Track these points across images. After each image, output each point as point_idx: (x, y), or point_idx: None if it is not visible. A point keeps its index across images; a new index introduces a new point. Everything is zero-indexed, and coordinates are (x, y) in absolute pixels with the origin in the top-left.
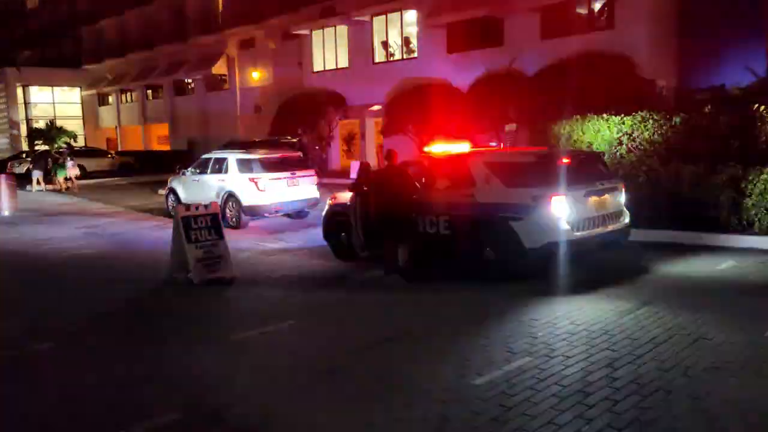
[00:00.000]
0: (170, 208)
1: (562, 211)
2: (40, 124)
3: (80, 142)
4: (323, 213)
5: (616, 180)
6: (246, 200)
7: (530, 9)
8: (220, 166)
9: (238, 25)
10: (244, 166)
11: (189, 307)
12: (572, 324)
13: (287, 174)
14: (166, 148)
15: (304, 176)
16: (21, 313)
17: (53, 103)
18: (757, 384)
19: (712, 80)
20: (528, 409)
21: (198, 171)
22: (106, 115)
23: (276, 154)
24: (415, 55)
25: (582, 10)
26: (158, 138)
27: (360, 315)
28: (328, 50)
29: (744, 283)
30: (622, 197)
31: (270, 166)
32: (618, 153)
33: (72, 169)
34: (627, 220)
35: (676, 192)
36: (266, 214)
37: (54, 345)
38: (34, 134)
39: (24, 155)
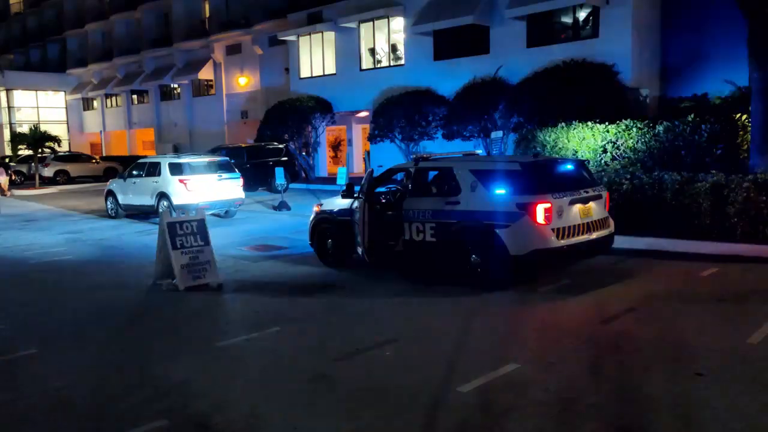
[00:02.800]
0: (109, 209)
1: (546, 218)
2: (24, 129)
3: (64, 147)
4: (309, 220)
5: (600, 188)
6: (176, 199)
7: (516, 17)
8: (154, 170)
9: (225, 30)
10: (175, 169)
11: (174, 313)
12: (557, 330)
13: (214, 176)
14: (152, 153)
15: (230, 178)
16: (3, 319)
17: (37, 107)
18: (739, 391)
19: (695, 89)
20: (514, 416)
21: (135, 174)
22: (91, 120)
23: (204, 158)
24: (402, 62)
25: (567, 19)
26: (143, 143)
27: (346, 321)
28: (315, 56)
29: (726, 290)
30: (606, 204)
31: (198, 168)
32: (602, 160)
33: (1, 177)
34: (611, 227)
35: (660, 199)
36: (195, 212)
37: (37, 352)
38: (17, 139)
39: (7, 160)
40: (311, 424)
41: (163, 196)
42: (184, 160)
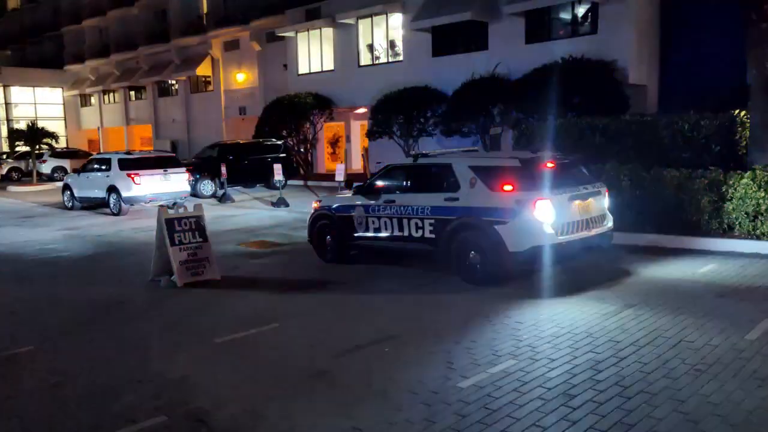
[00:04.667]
0: (66, 201)
1: (546, 214)
2: (21, 125)
3: (62, 144)
4: (308, 216)
5: (600, 184)
6: (125, 192)
7: (514, 13)
8: (105, 165)
9: (223, 26)
10: (124, 164)
11: (172, 309)
12: (556, 327)
13: (160, 171)
14: (150, 149)
15: (175, 173)
16: (1, 316)
17: (34, 103)
18: (738, 386)
19: (694, 85)
20: (513, 412)
21: (89, 169)
22: (89, 116)
23: (151, 154)
24: (401, 58)
25: (566, 15)
26: (141, 139)
27: (344, 318)
28: (314, 53)
29: (725, 286)
30: (605, 201)
31: (146, 164)
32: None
33: None
34: (610, 223)
35: (659, 196)
36: (142, 203)
37: (35, 348)
38: (14, 135)
39: (5, 156)
40: (310, 421)
41: (113, 189)
42: (132, 156)
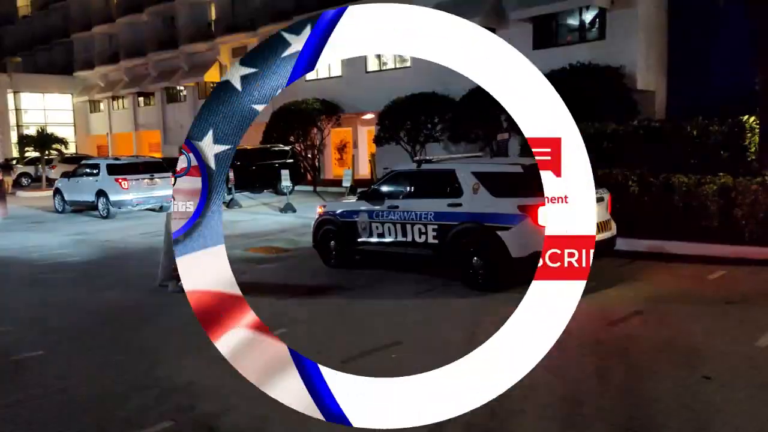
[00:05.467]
0: (56, 205)
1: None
2: (31, 131)
3: (71, 149)
4: (313, 222)
5: (603, 190)
6: (113, 196)
7: (522, 19)
8: (94, 170)
9: (231, 33)
10: (112, 169)
11: (179, 314)
12: (562, 333)
13: (147, 176)
14: (158, 155)
15: (162, 178)
16: (10, 321)
17: (44, 109)
18: (748, 394)
19: (703, 91)
20: (520, 418)
21: (79, 174)
22: (98, 122)
23: (138, 160)
24: (408, 64)
25: (573, 22)
26: (150, 145)
27: (350, 323)
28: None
29: (734, 292)
30: (608, 207)
31: (133, 169)
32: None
33: None
34: (613, 229)
35: (667, 202)
36: (130, 207)
37: (43, 353)
38: (24, 141)
39: (14, 161)
40: (317, 427)
41: (101, 193)
42: (120, 161)
